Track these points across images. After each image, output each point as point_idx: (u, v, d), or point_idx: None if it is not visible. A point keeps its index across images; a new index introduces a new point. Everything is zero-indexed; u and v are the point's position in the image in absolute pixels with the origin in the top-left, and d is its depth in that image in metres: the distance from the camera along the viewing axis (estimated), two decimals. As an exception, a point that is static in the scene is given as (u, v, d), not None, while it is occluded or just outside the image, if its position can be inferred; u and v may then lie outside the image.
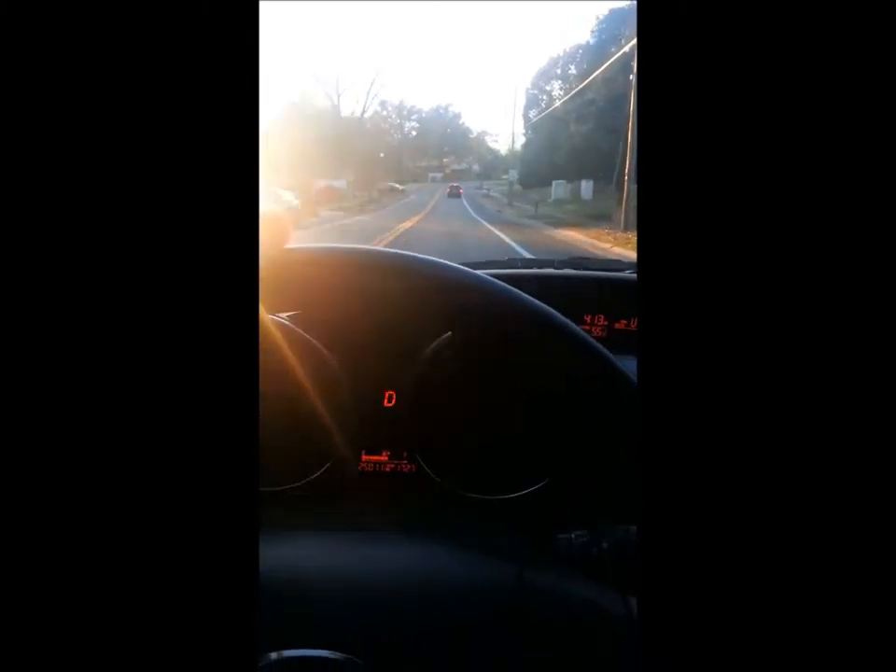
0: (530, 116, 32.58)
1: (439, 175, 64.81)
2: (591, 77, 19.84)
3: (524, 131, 36.35)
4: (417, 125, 70.63)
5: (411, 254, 0.35)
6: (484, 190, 40.35)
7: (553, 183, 24.49)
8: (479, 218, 16.03)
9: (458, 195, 32.84)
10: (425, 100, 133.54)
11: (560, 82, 33.55)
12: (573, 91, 24.51)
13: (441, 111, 71.58)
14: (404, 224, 12.78)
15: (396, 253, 0.34)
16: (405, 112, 69.58)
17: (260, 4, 0.20)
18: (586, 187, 22.01)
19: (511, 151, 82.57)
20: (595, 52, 24.93)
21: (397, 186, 33.73)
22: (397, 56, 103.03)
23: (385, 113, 70.39)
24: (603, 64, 17.83)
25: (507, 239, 10.03)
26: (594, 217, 13.90)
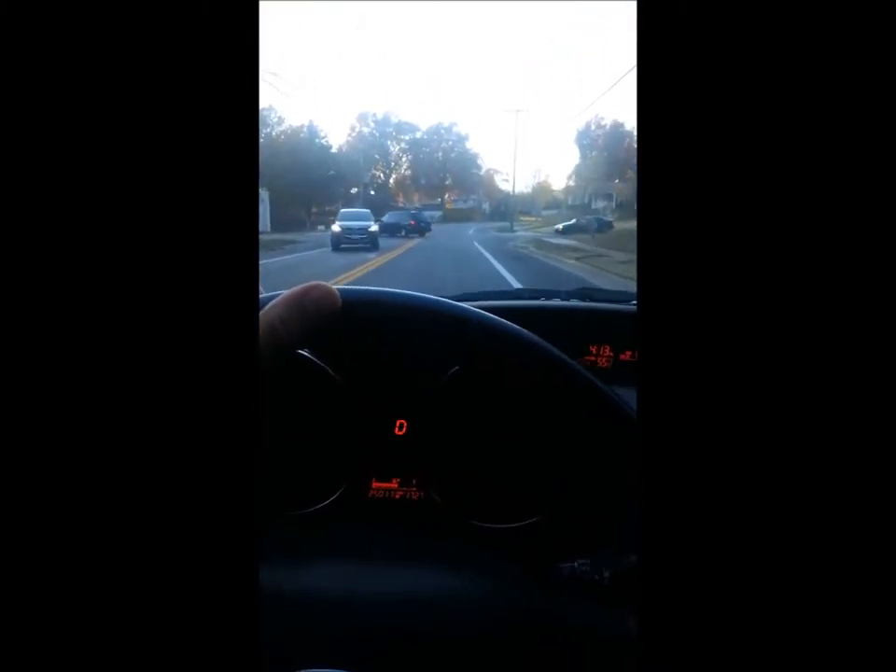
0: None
1: (436, 214, 45.20)
2: None
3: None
4: (408, 148, 51.65)
5: (424, 295, 0.38)
6: (528, 235, 20.82)
7: None
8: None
9: (421, 229, 19.27)
10: (421, 115, 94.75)
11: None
12: None
13: (443, 131, 52.48)
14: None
15: (411, 294, 0.38)
16: (391, 130, 50.89)
17: (260, 4, 0.20)
18: None
19: (540, 184, 63.83)
20: None
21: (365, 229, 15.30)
22: (384, 53, 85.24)
23: (365, 129, 51.99)
24: None
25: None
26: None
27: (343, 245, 13.53)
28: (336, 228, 14.57)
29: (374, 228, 14.63)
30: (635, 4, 0.20)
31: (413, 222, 20.66)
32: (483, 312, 0.36)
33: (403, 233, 19.78)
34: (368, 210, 17.30)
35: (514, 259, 10.76)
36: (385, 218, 20.34)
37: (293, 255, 11.83)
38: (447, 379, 0.44)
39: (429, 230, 21.05)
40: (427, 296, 0.38)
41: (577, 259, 9.23)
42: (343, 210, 17.32)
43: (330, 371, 0.43)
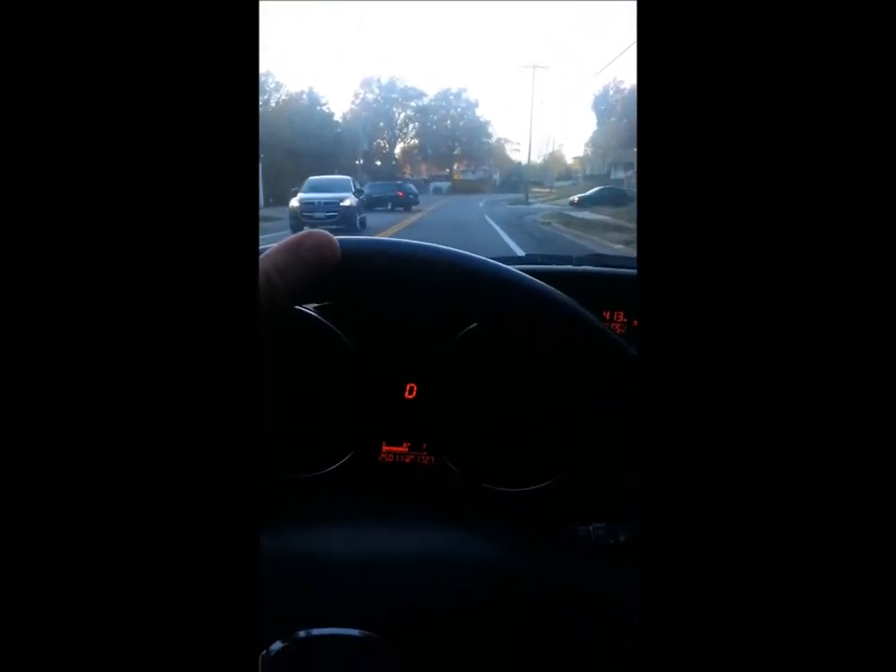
0: None
1: (444, 185, 42.66)
2: None
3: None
4: (414, 115, 48.72)
5: (438, 245, 0.34)
6: (547, 208, 18.89)
7: None
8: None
9: (409, 202, 17.49)
10: (428, 81, 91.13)
11: None
12: None
13: (451, 97, 49.40)
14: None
15: (423, 244, 0.34)
16: (396, 96, 47.97)
17: (260, 4, 0.20)
18: None
19: (551, 154, 60.26)
20: None
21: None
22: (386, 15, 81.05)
23: (369, 96, 49.09)
24: None
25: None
26: None
27: (310, 226, 9.34)
28: (294, 202, 10.40)
29: (349, 202, 10.38)
30: (635, 4, 0.20)
31: (400, 193, 18.13)
32: (501, 265, 0.33)
33: (389, 206, 17.48)
34: (347, 178, 12.75)
35: (537, 240, 8.68)
36: (367, 190, 16.15)
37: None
38: (459, 339, 0.42)
39: (417, 202, 18.74)
40: (437, 246, 0.34)
41: (625, 243, 6.97)
42: (310, 178, 12.42)
43: (337, 330, 0.42)
